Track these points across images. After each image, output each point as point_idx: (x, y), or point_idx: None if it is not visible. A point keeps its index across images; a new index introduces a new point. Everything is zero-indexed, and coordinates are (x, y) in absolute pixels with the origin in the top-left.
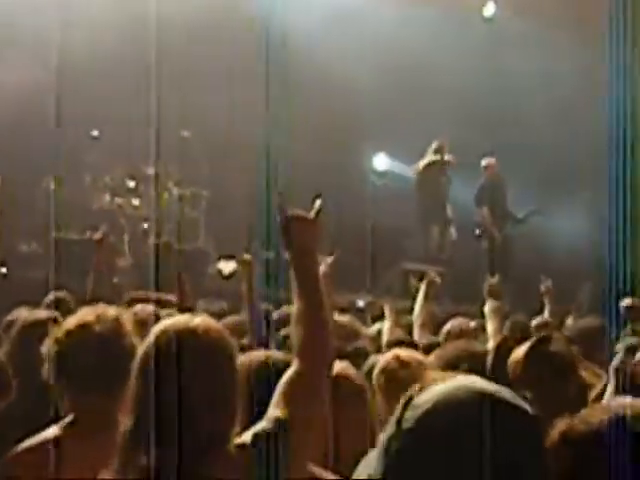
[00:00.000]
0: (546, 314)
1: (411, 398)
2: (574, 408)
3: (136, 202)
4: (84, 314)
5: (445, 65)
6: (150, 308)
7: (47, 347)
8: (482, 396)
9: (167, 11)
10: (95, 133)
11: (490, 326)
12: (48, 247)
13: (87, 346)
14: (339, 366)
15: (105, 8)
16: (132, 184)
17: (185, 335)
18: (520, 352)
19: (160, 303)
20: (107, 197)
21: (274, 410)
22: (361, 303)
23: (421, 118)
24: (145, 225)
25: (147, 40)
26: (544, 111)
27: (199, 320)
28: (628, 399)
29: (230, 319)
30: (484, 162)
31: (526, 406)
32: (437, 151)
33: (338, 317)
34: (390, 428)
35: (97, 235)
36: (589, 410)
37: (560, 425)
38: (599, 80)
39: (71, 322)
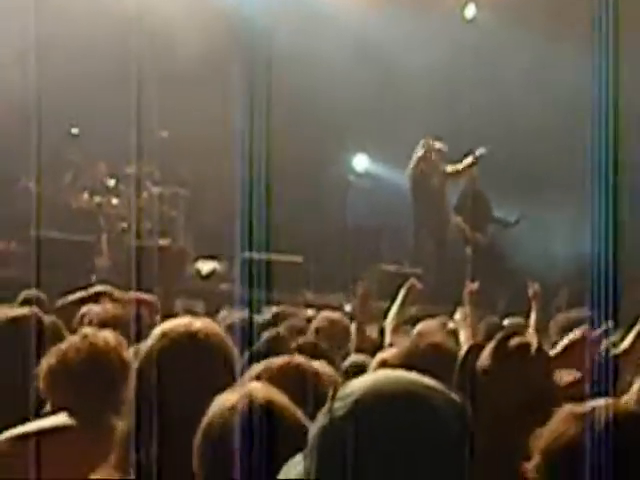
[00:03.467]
0: (533, 317)
1: (336, 390)
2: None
3: (115, 201)
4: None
5: (426, 66)
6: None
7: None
8: (411, 383)
9: (150, 11)
10: (75, 131)
11: (462, 335)
12: (27, 246)
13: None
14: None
15: (86, 6)
16: (112, 183)
17: (185, 339)
18: (487, 349)
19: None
20: (86, 196)
21: None
22: (348, 307)
23: (401, 119)
24: (124, 224)
25: (129, 39)
26: (528, 114)
27: (200, 324)
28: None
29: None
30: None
31: (452, 394)
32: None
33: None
34: (321, 420)
35: None
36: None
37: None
38: (581, 79)
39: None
